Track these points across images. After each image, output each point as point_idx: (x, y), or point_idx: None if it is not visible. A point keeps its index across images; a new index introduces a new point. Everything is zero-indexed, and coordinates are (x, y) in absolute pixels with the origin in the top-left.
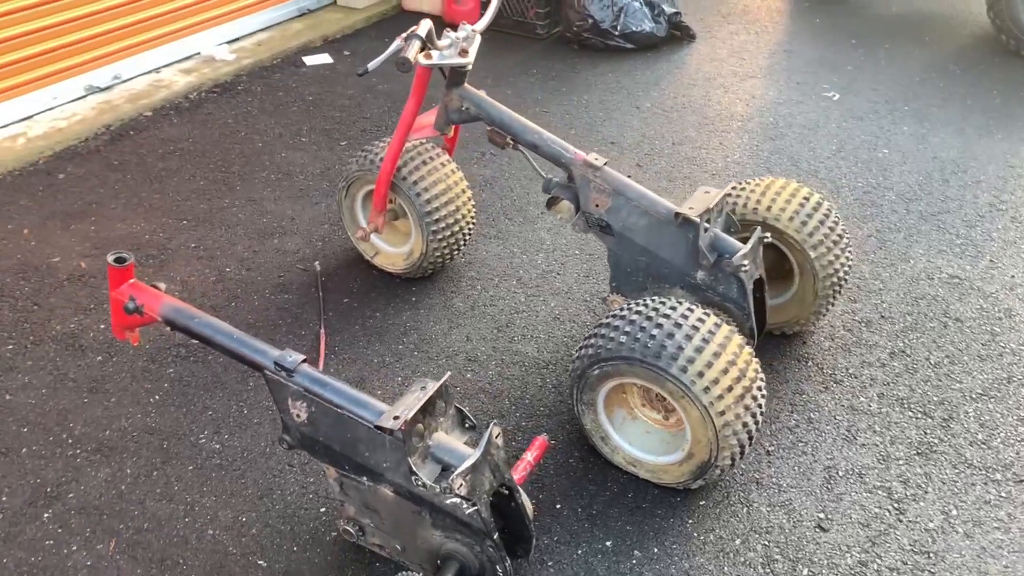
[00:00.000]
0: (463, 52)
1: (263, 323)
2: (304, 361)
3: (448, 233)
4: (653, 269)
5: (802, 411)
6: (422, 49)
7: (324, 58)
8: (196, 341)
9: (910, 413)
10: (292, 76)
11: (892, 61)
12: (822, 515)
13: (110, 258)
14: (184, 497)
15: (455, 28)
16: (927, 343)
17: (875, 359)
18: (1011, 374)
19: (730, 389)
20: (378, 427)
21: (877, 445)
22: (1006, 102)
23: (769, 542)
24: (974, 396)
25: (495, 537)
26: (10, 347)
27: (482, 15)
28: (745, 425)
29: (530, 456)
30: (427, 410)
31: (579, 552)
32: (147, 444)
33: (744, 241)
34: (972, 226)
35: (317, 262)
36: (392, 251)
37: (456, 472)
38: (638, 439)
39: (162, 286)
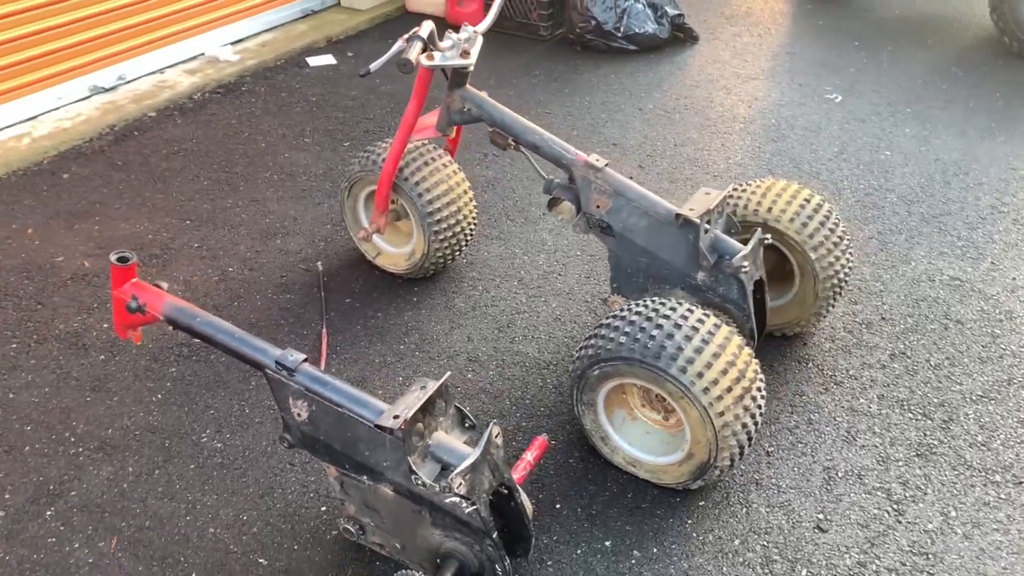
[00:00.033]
0: (465, 53)
1: (265, 323)
2: (305, 360)
3: (450, 234)
4: (654, 270)
5: (802, 412)
6: (424, 50)
7: (328, 59)
8: (198, 340)
9: (910, 415)
10: (296, 77)
11: (895, 63)
12: (821, 516)
13: (113, 257)
14: (185, 495)
15: (458, 29)
16: (928, 345)
17: (875, 361)
18: (1011, 376)
19: (729, 390)
20: (378, 426)
21: (877, 446)
22: (1009, 104)
23: (768, 542)
24: (974, 398)
25: (494, 536)
26: (14, 346)
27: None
28: (744, 426)
29: (530, 456)
30: (427, 409)
31: (578, 552)
32: (149, 443)
33: (744, 243)
34: (973, 228)
35: (319, 262)
36: (394, 251)
37: (455, 471)
38: (638, 439)
39: (164, 285)
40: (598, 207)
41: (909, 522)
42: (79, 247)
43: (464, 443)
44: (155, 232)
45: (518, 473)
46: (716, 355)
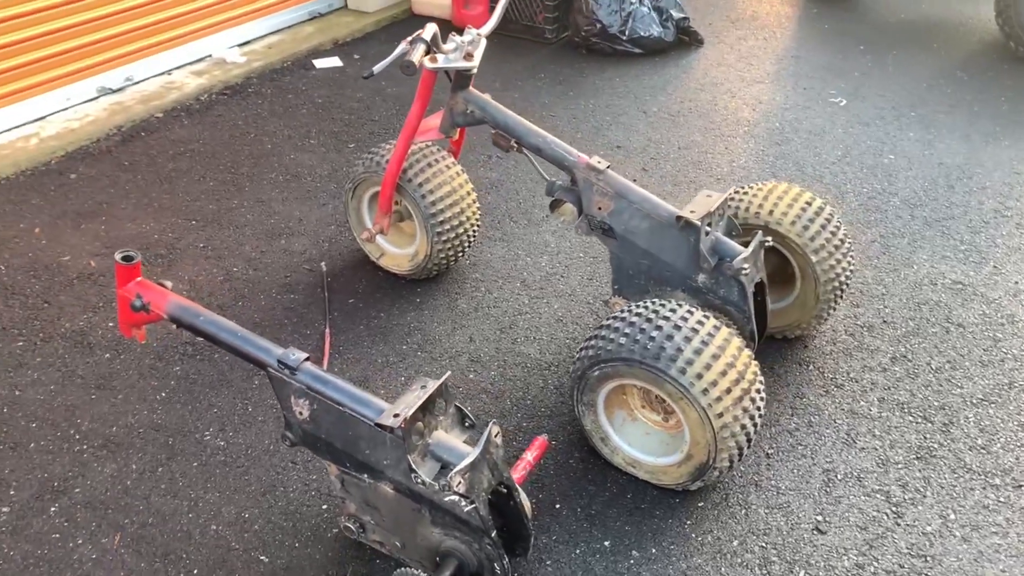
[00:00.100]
0: (468, 56)
1: (269, 322)
2: (307, 359)
3: (453, 235)
4: (655, 272)
5: (802, 414)
6: (427, 53)
7: (334, 61)
8: (201, 339)
9: (910, 417)
10: (302, 79)
11: (900, 67)
12: (820, 518)
13: (118, 256)
14: (188, 493)
15: (462, 32)
16: (929, 348)
17: (876, 364)
18: (1012, 379)
19: (729, 391)
20: (378, 425)
21: (876, 449)
22: (1014, 109)
23: (767, 544)
24: (975, 401)
25: (493, 535)
26: (20, 344)
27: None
28: (744, 427)
29: (530, 456)
30: (427, 408)
31: (577, 551)
32: (153, 440)
33: (746, 245)
34: (976, 232)
35: (323, 263)
36: (397, 252)
37: (455, 470)
38: (638, 440)
39: (168, 284)
40: (600, 209)
41: (908, 524)
42: (86, 247)
43: (464, 442)
44: (161, 232)
45: (518, 473)
46: (715, 356)
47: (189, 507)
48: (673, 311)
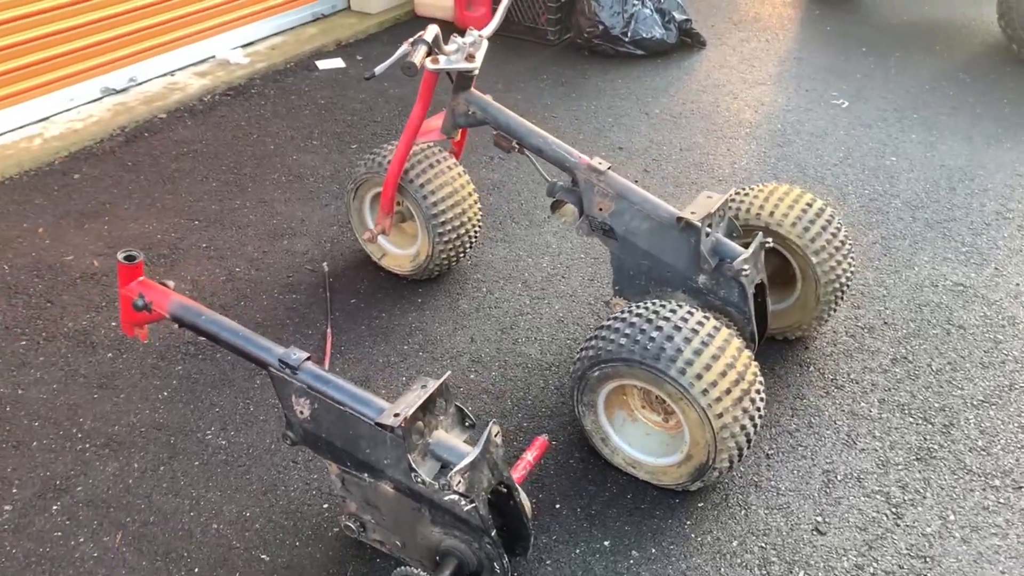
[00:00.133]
0: (470, 57)
1: (271, 322)
2: (308, 359)
3: (454, 235)
4: (655, 273)
5: (802, 415)
6: (428, 54)
7: (337, 62)
8: (203, 339)
9: (911, 419)
10: (305, 80)
11: (902, 69)
12: (820, 519)
13: (120, 256)
14: (190, 492)
15: (464, 34)
16: (929, 350)
17: (877, 365)
18: (1013, 381)
19: (728, 392)
20: (379, 424)
21: (877, 450)
22: (1016, 111)
23: (766, 544)
24: (975, 403)
25: (492, 534)
26: (23, 343)
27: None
28: (743, 428)
29: (530, 456)
30: (427, 408)
31: (577, 551)
32: (155, 439)
33: (746, 246)
34: (978, 234)
35: (325, 263)
36: (399, 253)
37: (455, 469)
38: (638, 441)
39: (170, 284)
40: (601, 210)
41: (908, 525)
42: (89, 246)
43: (464, 442)
44: (164, 232)
45: (518, 473)
46: (715, 357)
47: (190, 506)
48: (673, 312)
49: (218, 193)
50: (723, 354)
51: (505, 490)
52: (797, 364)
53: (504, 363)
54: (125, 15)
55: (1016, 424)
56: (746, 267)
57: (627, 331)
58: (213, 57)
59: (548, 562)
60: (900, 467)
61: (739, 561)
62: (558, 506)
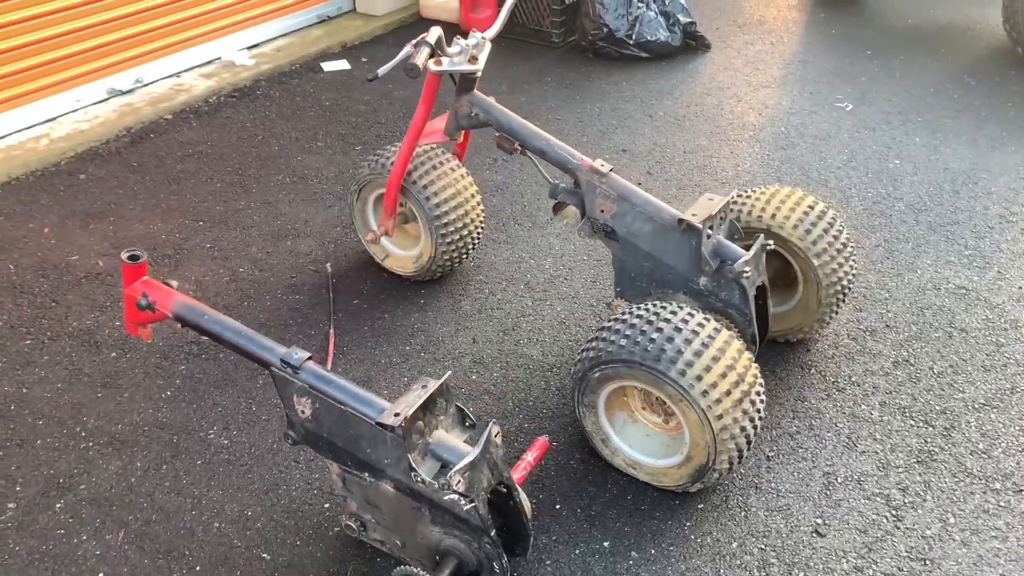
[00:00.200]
0: (473, 59)
1: (274, 323)
2: (309, 358)
3: (457, 237)
4: (657, 274)
5: (803, 418)
6: (431, 56)
7: (342, 64)
8: (206, 338)
9: (911, 422)
10: (310, 81)
11: (907, 72)
12: (820, 520)
13: (124, 255)
14: (192, 491)
15: (467, 36)
16: (931, 353)
17: (878, 368)
18: (1015, 385)
19: (728, 393)
20: (379, 424)
21: (877, 453)
22: (1021, 114)
23: (766, 546)
24: (976, 406)
25: (492, 534)
26: (28, 342)
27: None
28: (743, 429)
29: (530, 456)
30: (428, 408)
31: (577, 552)
32: (158, 438)
33: (748, 248)
34: (981, 237)
35: (329, 264)
36: (402, 254)
37: (455, 469)
38: (638, 442)
39: (174, 284)
40: (602, 212)
41: (908, 528)
42: (94, 247)
43: (464, 442)
44: (168, 232)
45: (518, 473)
46: (715, 359)
47: (192, 504)
48: (674, 313)
49: (223, 194)
50: (723, 356)
51: (505, 490)
52: (798, 366)
53: (506, 364)
54: (132, 16)
55: (1017, 427)
56: (747, 269)
57: (628, 332)
58: (219, 59)
59: (548, 562)
60: (900, 470)
61: (738, 563)
62: (558, 507)
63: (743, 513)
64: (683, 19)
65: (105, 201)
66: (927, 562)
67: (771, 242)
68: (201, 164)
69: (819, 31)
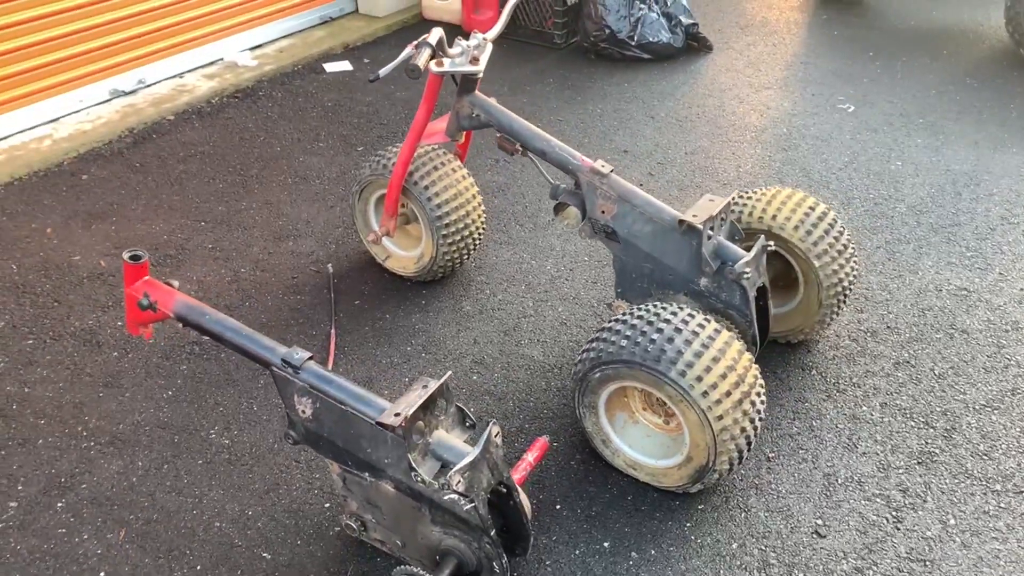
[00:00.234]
0: (474, 60)
1: (275, 323)
2: (310, 358)
3: (458, 237)
4: (657, 275)
5: (804, 419)
6: (432, 57)
7: (344, 65)
8: (208, 338)
9: (912, 423)
10: (312, 82)
11: (909, 74)
12: (820, 521)
13: (126, 255)
14: (193, 490)
15: (468, 37)
16: (932, 354)
17: (879, 369)
18: (1016, 386)
19: (728, 394)
20: (379, 423)
21: (878, 454)
22: (1023, 116)
23: (766, 547)
24: (977, 407)
25: (492, 533)
26: (30, 342)
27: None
28: (743, 430)
29: (530, 457)
30: (428, 408)
31: (577, 552)
32: (159, 438)
33: (748, 249)
34: (983, 239)
35: (330, 264)
36: (403, 254)
37: (454, 469)
38: (638, 442)
39: (175, 283)
40: (603, 213)
41: (908, 529)
42: (96, 247)
43: (464, 442)
44: (170, 233)
45: (518, 473)
46: (715, 359)
47: (193, 504)
48: (674, 314)
49: (224, 194)
50: (723, 357)
51: (505, 490)
52: (799, 367)
53: (507, 365)
54: (135, 18)
55: (1018, 429)
56: (747, 270)
57: (628, 333)
58: (221, 59)
59: (548, 563)
60: (901, 471)
61: (738, 563)
62: (558, 507)
63: (743, 514)
64: (685, 20)
65: (107, 201)
66: (927, 563)
67: (772, 243)
68: (203, 164)
69: (821, 32)
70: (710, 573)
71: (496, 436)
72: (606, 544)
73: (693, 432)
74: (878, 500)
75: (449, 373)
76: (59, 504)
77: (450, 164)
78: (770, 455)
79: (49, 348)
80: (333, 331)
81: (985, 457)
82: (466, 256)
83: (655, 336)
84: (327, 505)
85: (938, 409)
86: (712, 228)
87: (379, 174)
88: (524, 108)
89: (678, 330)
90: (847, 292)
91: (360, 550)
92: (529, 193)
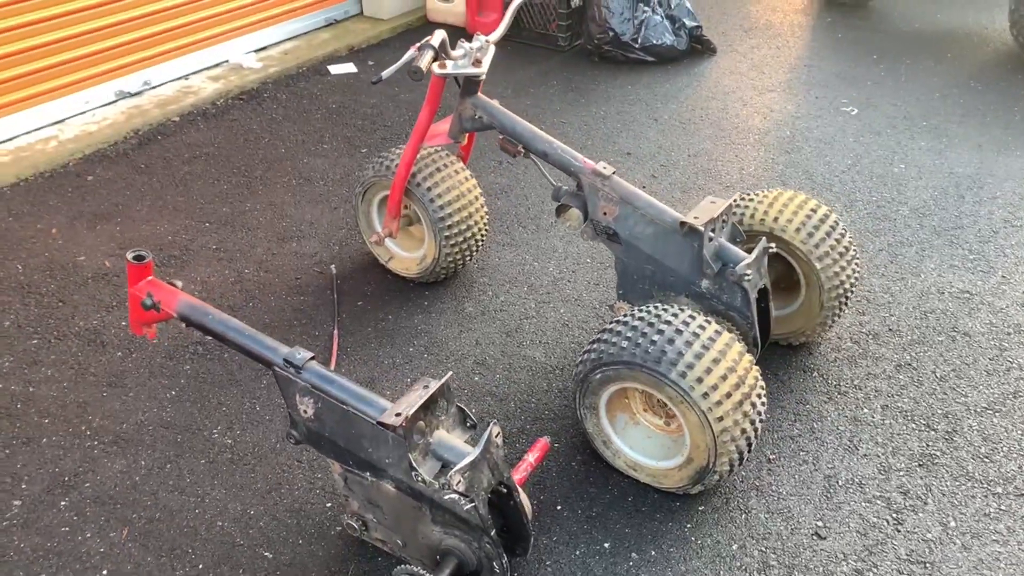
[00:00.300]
0: (477, 62)
1: (278, 323)
2: (312, 358)
3: (461, 239)
4: (659, 277)
5: (805, 420)
6: (435, 59)
7: (349, 67)
8: (211, 338)
9: (913, 425)
10: (317, 84)
11: (913, 77)
12: (820, 523)
13: (129, 256)
14: (195, 489)
15: (471, 39)
16: (934, 356)
17: (881, 371)
18: (1017, 389)
19: (729, 395)
20: (380, 423)
21: (879, 456)
22: None
23: (766, 548)
24: (979, 410)
25: (492, 533)
26: (35, 341)
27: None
28: (744, 431)
29: (531, 457)
30: (429, 408)
31: (577, 553)
32: (162, 437)
33: (750, 251)
34: (985, 242)
35: (333, 265)
36: (406, 256)
37: (455, 469)
38: (639, 443)
39: (179, 284)
40: (605, 214)
41: (908, 531)
42: (101, 247)
43: (465, 442)
44: (175, 234)
45: (519, 474)
46: (716, 361)
47: (196, 503)
48: (675, 316)
49: (229, 196)
50: (724, 358)
51: (506, 490)
52: (801, 369)
53: (508, 366)
54: (140, 20)
55: (1019, 431)
56: (749, 272)
57: (629, 334)
58: (227, 61)
59: (548, 563)
60: (902, 473)
61: (739, 564)
62: (559, 507)
63: (744, 515)
64: (689, 23)
65: (112, 202)
66: (927, 565)
67: (773, 245)
68: (208, 166)
69: (825, 35)
70: (710, 574)
71: (497, 436)
72: (606, 545)
73: (694, 433)
74: (879, 502)
75: (450, 373)
76: (62, 503)
77: (453, 166)
78: (771, 457)
79: (54, 348)
80: (336, 332)
81: (986, 460)
82: (468, 258)
83: (656, 337)
84: (329, 505)
85: (939, 411)
86: (713, 230)
87: (382, 176)
88: (528, 110)
89: (679, 332)
90: (849, 294)
91: (361, 550)
92: (532, 195)
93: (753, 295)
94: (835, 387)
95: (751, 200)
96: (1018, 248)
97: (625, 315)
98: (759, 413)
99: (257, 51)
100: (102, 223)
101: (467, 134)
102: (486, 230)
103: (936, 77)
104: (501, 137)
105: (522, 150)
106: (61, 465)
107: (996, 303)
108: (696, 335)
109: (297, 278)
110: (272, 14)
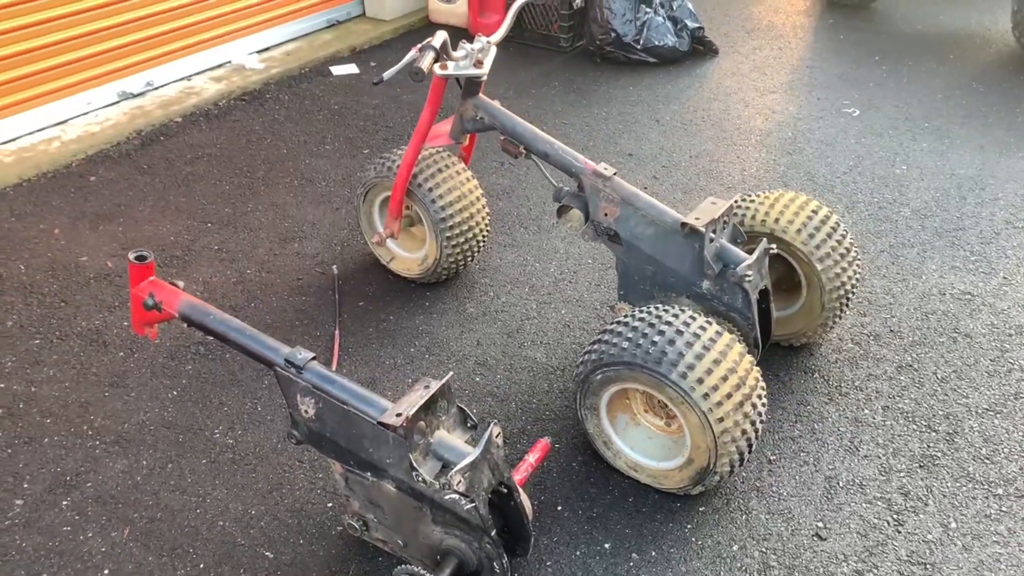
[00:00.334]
0: (478, 63)
1: (280, 323)
2: (313, 359)
3: (462, 240)
4: (660, 278)
5: (806, 421)
6: (436, 60)
7: (351, 68)
8: (212, 338)
9: (914, 426)
10: (319, 85)
11: (915, 78)
12: (821, 524)
13: (131, 256)
14: (197, 489)
15: (473, 40)
16: (935, 358)
17: (882, 372)
18: (1019, 390)
19: (729, 396)
20: (381, 423)
21: (879, 457)
22: None
23: (766, 549)
24: (980, 411)
25: (492, 533)
26: (37, 341)
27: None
28: (744, 432)
29: (532, 458)
30: (429, 408)
31: (577, 553)
32: (163, 437)
33: (751, 252)
34: (987, 243)
35: (335, 266)
36: (407, 256)
37: (455, 469)
38: (640, 444)
39: (180, 284)
40: (606, 215)
41: (909, 532)
42: (103, 248)
43: (466, 442)
44: (177, 234)
45: (520, 474)
46: (716, 362)
47: (197, 503)
48: (675, 316)
49: (231, 196)
50: (724, 359)
51: (506, 491)
52: (802, 370)
53: (510, 367)
54: (143, 20)
55: (1021, 433)
56: (749, 273)
57: (630, 335)
58: (229, 62)
59: (548, 563)
60: (902, 474)
61: (739, 565)
62: (560, 508)
63: (744, 516)
64: (691, 24)
65: (115, 203)
66: (928, 566)
67: (774, 246)
68: (210, 166)
69: (827, 36)
70: (711, 575)
71: (497, 436)
72: (607, 545)
73: (694, 434)
74: (879, 503)
75: (451, 374)
76: (64, 502)
77: (454, 167)
78: (771, 457)
79: (56, 348)
80: (337, 332)
81: (987, 461)
82: (470, 258)
83: (657, 338)
84: (330, 505)
85: (940, 413)
86: (714, 231)
87: (384, 176)
88: (529, 111)
89: (680, 332)
90: (850, 295)
91: (362, 550)
92: (533, 196)
93: (754, 296)
94: (836, 388)
95: (752, 201)
96: (1020, 249)
97: (626, 316)
98: (760, 414)
99: (259, 52)
100: (104, 223)
101: (468, 135)
102: (487, 231)
103: (938, 79)
104: (502, 138)
105: (523, 151)
106: (63, 465)
107: (997, 304)
108: (697, 336)
109: (299, 278)
110: (274, 15)
